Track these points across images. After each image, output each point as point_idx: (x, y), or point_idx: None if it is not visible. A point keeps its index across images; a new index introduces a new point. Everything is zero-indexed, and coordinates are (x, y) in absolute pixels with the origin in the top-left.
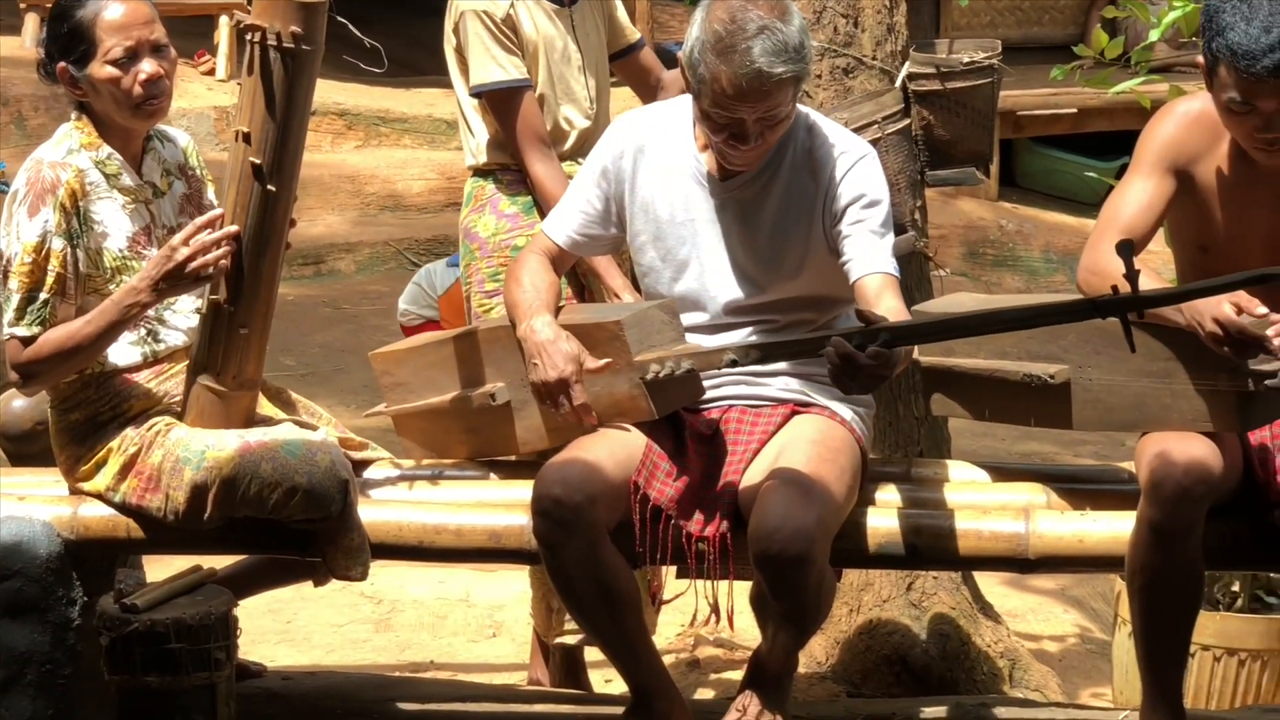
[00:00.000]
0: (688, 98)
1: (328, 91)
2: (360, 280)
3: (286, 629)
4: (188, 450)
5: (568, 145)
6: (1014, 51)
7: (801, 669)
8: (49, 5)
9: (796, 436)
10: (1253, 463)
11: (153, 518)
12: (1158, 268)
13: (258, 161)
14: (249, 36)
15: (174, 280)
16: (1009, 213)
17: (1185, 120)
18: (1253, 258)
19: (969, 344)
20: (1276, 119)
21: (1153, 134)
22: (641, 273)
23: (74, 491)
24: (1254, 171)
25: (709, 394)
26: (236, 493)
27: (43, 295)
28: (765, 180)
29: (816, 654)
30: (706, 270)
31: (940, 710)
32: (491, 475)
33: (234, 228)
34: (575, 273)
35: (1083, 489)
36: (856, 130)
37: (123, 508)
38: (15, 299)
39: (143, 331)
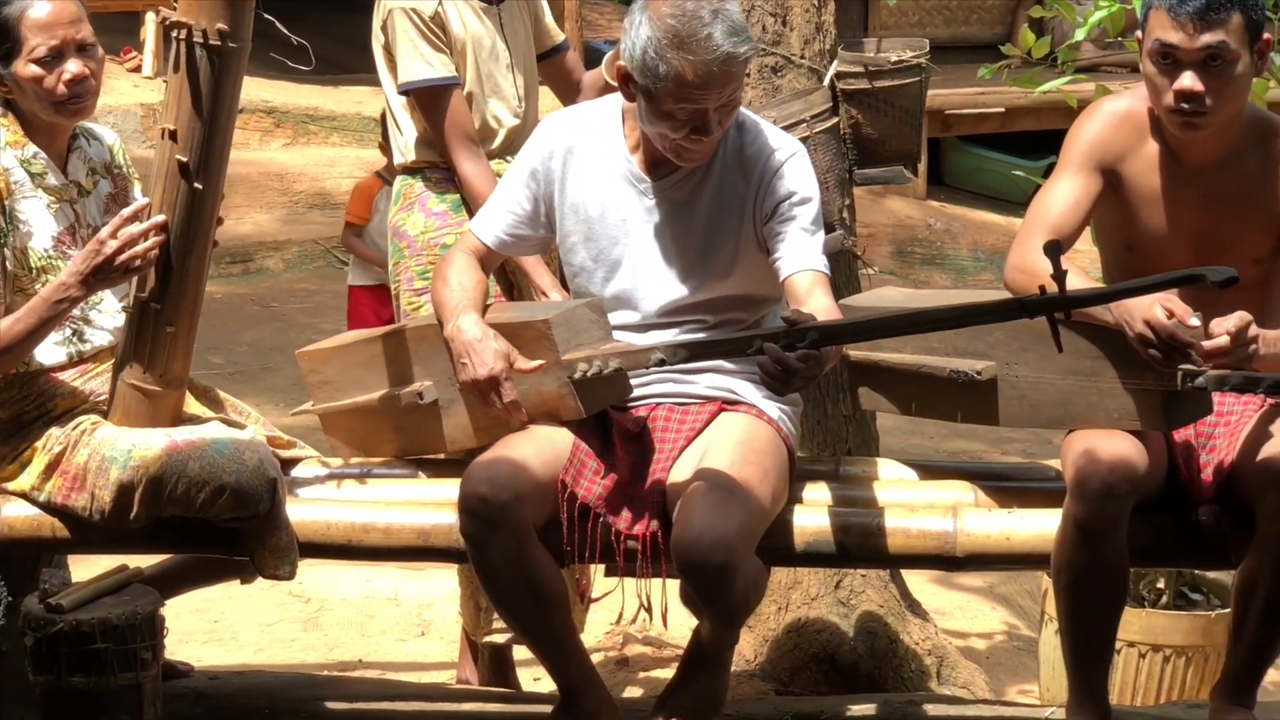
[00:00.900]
0: (615, 98)
1: (255, 89)
2: (288, 278)
3: (214, 628)
4: (114, 449)
5: (496, 143)
6: (942, 50)
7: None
8: None
9: (722, 437)
10: (1177, 461)
11: (78, 517)
12: (1085, 266)
13: (184, 159)
14: (175, 33)
15: (103, 274)
16: (937, 211)
17: (1112, 119)
18: (1179, 256)
19: (896, 339)
20: (1195, 68)
21: (1079, 133)
22: (572, 273)
23: None
24: (1181, 170)
25: (637, 392)
26: (163, 492)
27: None
28: (697, 180)
29: (745, 652)
30: (638, 270)
31: (868, 708)
32: (419, 474)
33: (161, 218)
34: (504, 271)
35: (1010, 487)
36: (785, 129)
37: (48, 507)
38: None
39: (68, 331)
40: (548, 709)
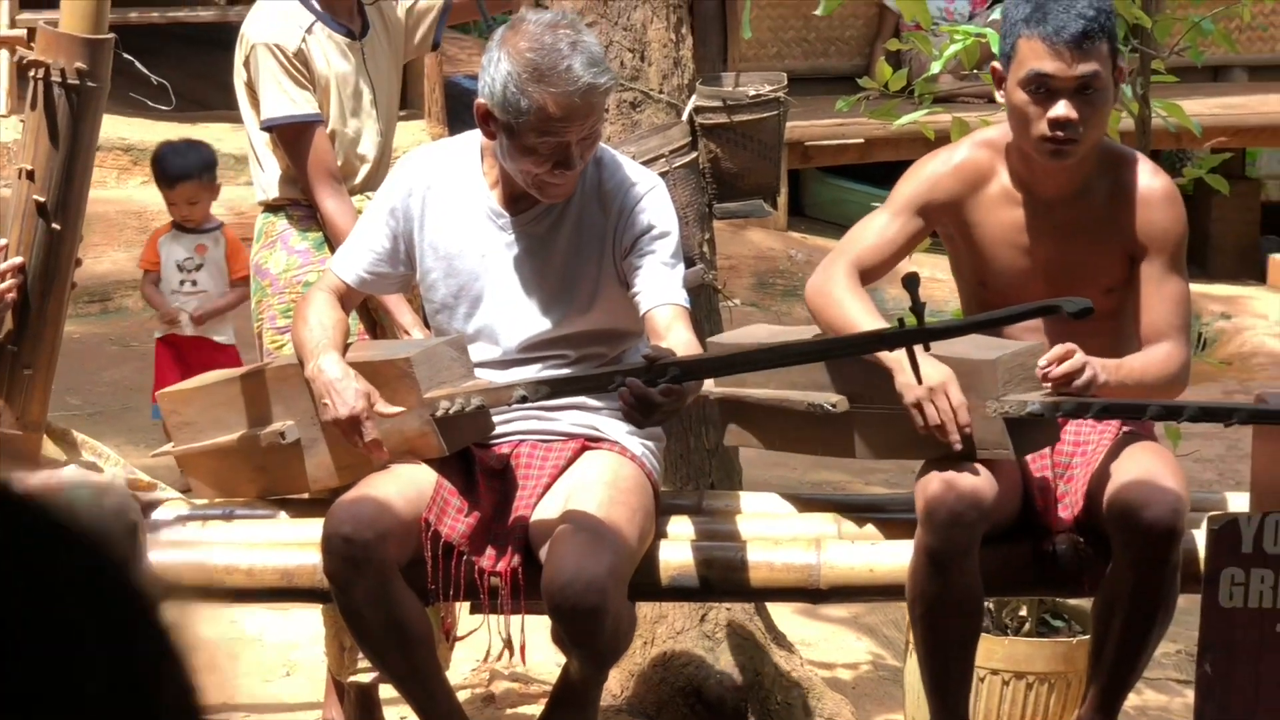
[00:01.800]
0: (474, 134)
1: (112, 126)
2: (148, 317)
3: None
4: None
5: (358, 180)
6: (801, 82)
7: None
8: None
9: (588, 476)
10: (1032, 490)
11: None
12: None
13: (42, 199)
14: (32, 72)
15: None
16: (798, 243)
17: (946, 166)
18: (1034, 289)
19: (761, 373)
20: (1070, 96)
21: (913, 175)
22: (433, 310)
23: None
24: (1034, 203)
25: (499, 429)
26: None
27: None
28: (556, 215)
29: (612, 686)
30: (499, 307)
31: None
32: (282, 514)
33: (18, 259)
34: (367, 309)
35: (873, 518)
36: (644, 164)
37: None
38: None
39: None
40: None
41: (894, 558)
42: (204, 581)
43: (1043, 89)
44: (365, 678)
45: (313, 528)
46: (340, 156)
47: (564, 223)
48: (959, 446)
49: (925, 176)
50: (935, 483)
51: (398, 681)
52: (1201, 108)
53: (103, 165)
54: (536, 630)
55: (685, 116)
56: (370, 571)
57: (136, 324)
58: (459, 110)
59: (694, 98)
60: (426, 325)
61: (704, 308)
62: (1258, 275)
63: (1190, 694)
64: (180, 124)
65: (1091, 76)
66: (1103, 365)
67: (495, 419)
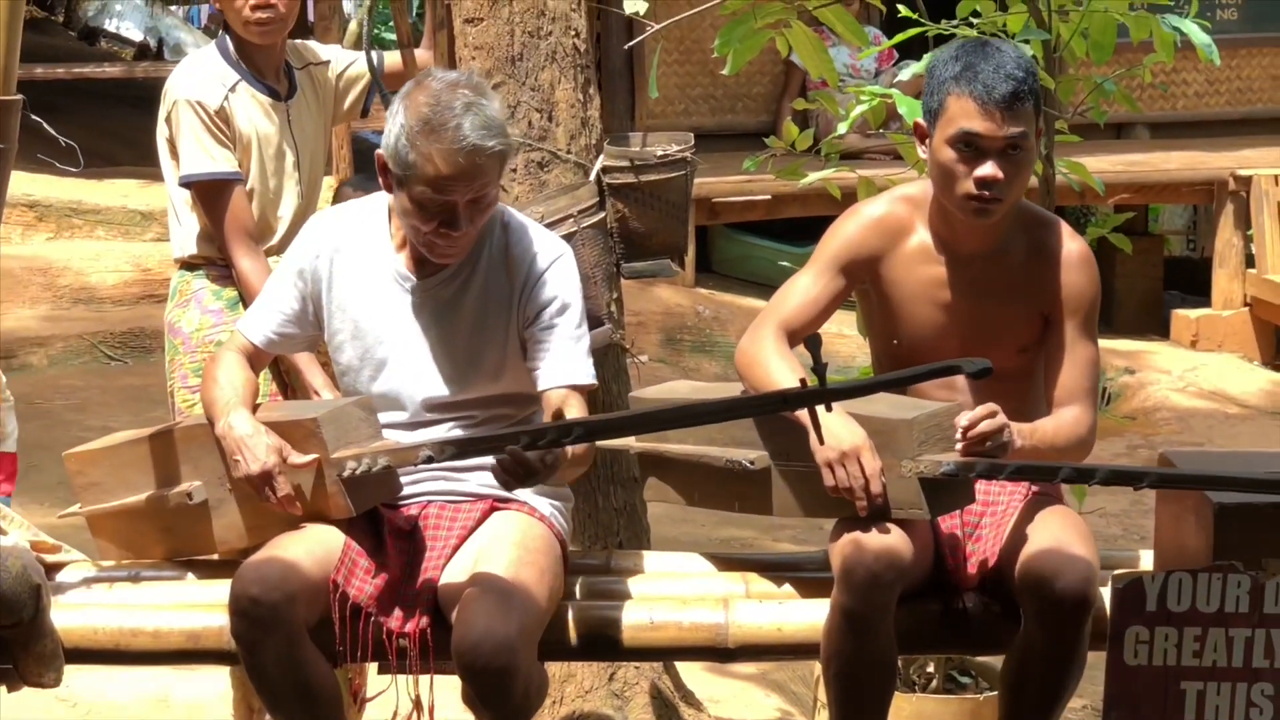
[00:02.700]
0: (383, 196)
1: (18, 182)
2: (53, 374)
3: None
4: None
5: (275, 240)
6: (709, 139)
7: None
8: None
9: (497, 536)
10: (943, 550)
11: None
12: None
13: None
14: None
15: None
16: (706, 299)
17: (868, 222)
18: (947, 347)
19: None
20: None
21: (834, 234)
22: (340, 371)
23: None
24: (951, 260)
25: (407, 490)
26: None
27: None
28: (463, 279)
29: None
30: (405, 369)
31: None
32: (189, 575)
33: None
34: (278, 370)
35: (782, 576)
36: (552, 224)
37: None
38: None
39: None
40: None
41: (802, 616)
42: (109, 644)
43: (971, 148)
44: None
45: (220, 589)
46: (259, 215)
47: (470, 287)
48: (864, 513)
49: (846, 234)
50: (852, 543)
51: None
52: (1105, 165)
53: (7, 221)
54: (445, 690)
55: (593, 176)
56: (278, 633)
57: (41, 382)
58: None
59: (602, 158)
60: (337, 386)
61: (612, 367)
62: (1161, 330)
63: None
64: (86, 179)
65: (1020, 137)
66: (1018, 429)
67: (403, 480)
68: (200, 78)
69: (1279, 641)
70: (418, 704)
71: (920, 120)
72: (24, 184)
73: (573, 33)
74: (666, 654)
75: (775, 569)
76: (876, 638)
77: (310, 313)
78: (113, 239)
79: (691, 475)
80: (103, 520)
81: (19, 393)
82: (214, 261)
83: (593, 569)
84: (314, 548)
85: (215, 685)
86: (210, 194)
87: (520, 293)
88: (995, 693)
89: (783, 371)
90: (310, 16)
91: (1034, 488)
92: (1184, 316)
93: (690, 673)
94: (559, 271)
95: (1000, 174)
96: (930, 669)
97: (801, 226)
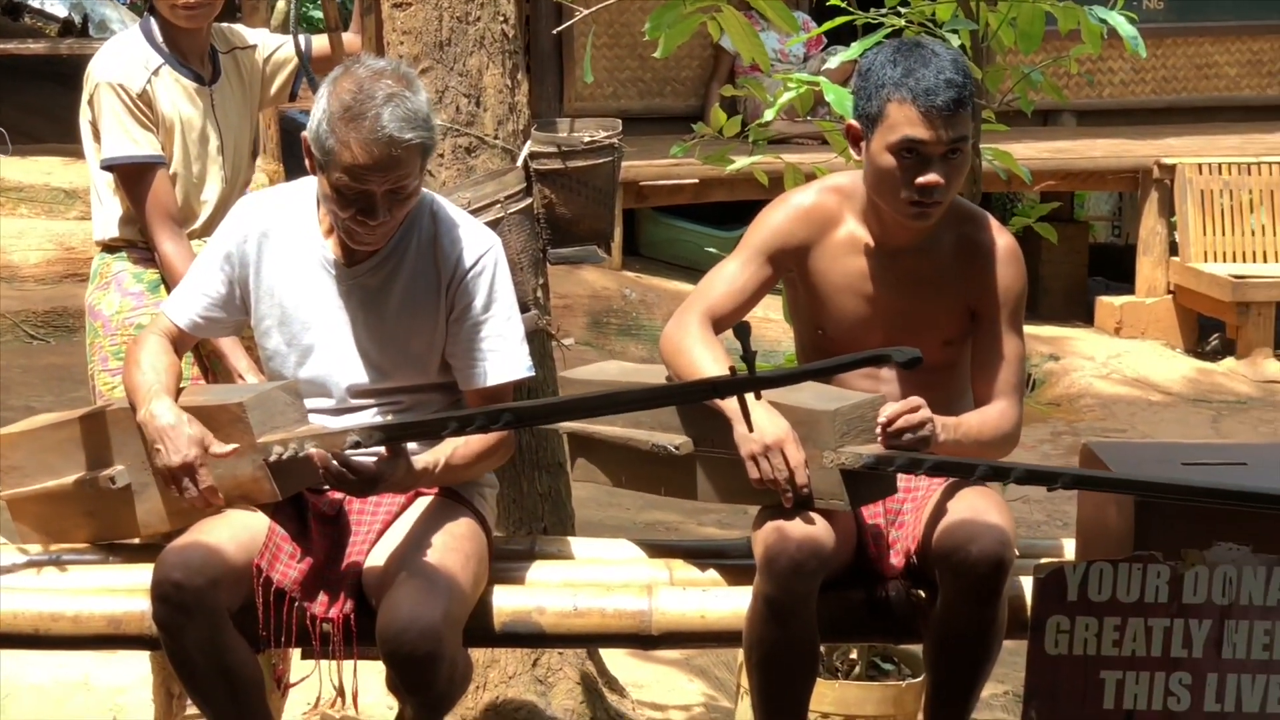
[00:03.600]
0: (311, 181)
1: None
2: None
3: None
4: None
5: (198, 224)
6: (637, 122)
7: None
8: None
9: (422, 522)
10: (866, 538)
11: None
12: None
13: None
14: None
15: None
16: (632, 282)
17: (796, 211)
18: (872, 338)
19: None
20: (939, 162)
21: (762, 222)
22: (266, 356)
23: None
24: (879, 254)
25: None
26: None
27: None
28: (391, 267)
29: None
30: (331, 355)
31: None
32: (111, 559)
33: None
34: (201, 354)
35: (706, 563)
36: (479, 210)
37: None
38: None
39: None
40: None
41: (726, 604)
42: (28, 629)
43: (913, 154)
44: None
45: (142, 574)
46: (182, 199)
47: (398, 276)
48: (789, 504)
49: (774, 223)
50: (774, 531)
51: None
52: (1031, 152)
53: None
54: (369, 675)
55: (520, 162)
56: (200, 618)
57: None
58: (294, 146)
59: (529, 143)
60: (262, 370)
61: (538, 352)
62: (1085, 317)
63: None
64: (8, 156)
65: (960, 141)
66: (942, 424)
67: None
68: (123, 61)
69: (1197, 631)
70: (341, 690)
71: (854, 122)
72: None
73: (501, 18)
74: (590, 640)
75: (700, 555)
76: (798, 625)
77: (237, 297)
78: (36, 217)
79: (619, 457)
80: (24, 504)
81: None
82: (135, 244)
83: (517, 554)
84: (238, 532)
85: (136, 670)
86: (132, 177)
87: (448, 284)
88: (918, 679)
89: (707, 360)
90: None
91: None
92: (1108, 303)
93: (614, 658)
94: (487, 265)
95: (942, 180)
96: (853, 656)
97: (729, 210)
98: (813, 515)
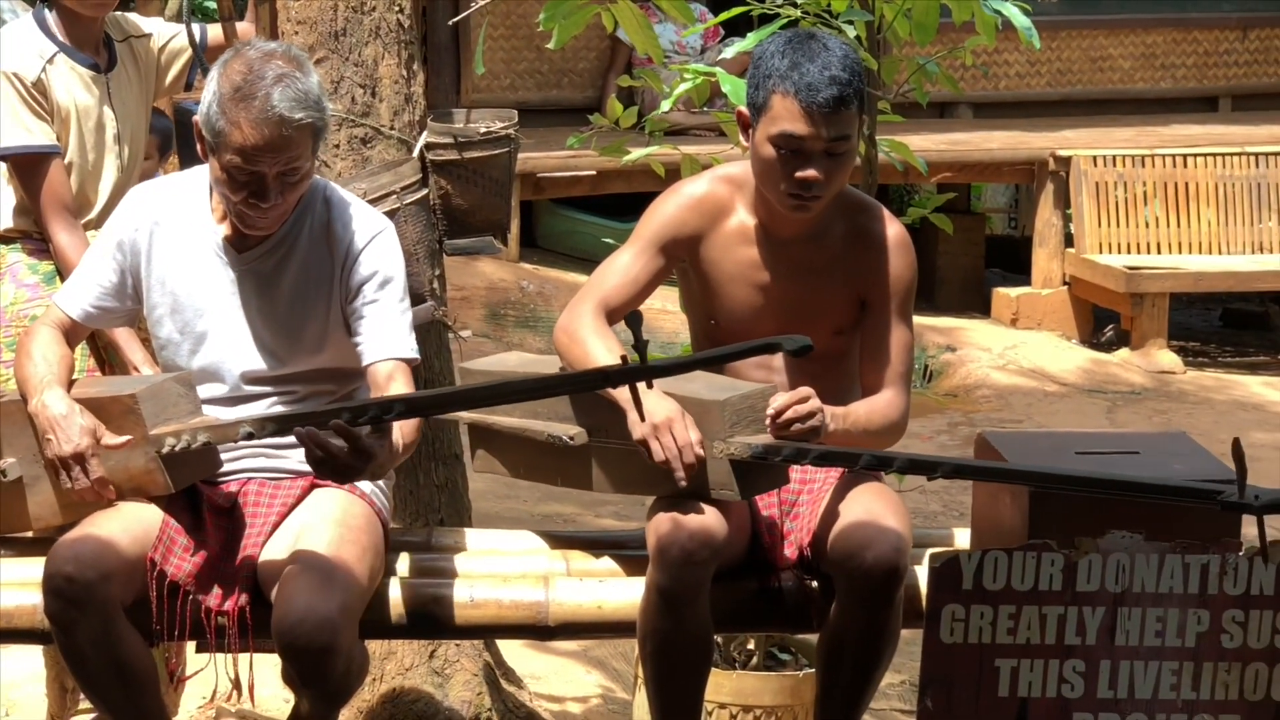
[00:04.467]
0: (204, 169)
1: None
2: None
3: None
4: None
5: (94, 213)
6: (534, 114)
7: None
8: None
9: (317, 515)
10: (760, 528)
11: None
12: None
13: None
14: None
15: None
16: (530, 274)
17: (688, 201)
18: (764, 327)
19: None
20: (819, 158)
21: (655, 212)
22: (159, 345)
23: None
24: (770, 243)
25: (227, 467)
26: None
27: None
28: (283, 253)
29: None
30: (225, 343)
31: None
32: (3, 552)
33: None
34: (96, 345)
35: (603, 554)
36: (375, 200)
37: None
38: None
39: None
40: None
41: (623, 594)
42: None
43: (793, 149)
44: (87, 719)
45: (34, 567)
46: (78, 189)
47: (290, 261)
48: (683, 483)
49: (666, 213)
50: (667, 522)
51: None
52: (928, 144)
53: None
54: (264, 668)
55: (416, 153)
56: (93, 612)
57: None
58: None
59: (425, 134)
60: (156, 362)
61: (434, 344)
62: (982, 308)
63: None
64: None
65: (842, 139)
66: (831, 414)
67: (223, 456)
68: (17, 50)
69: (1091, 619)
70: (236, 683)
71: (744, 109)
72: None
73: (397, 8)
74: (487, 632)
75: (597, 547)
76: (692, 616)
77: (129, 286)
78: None
79: (517, 448)
80: None
81: None
82: (30, 235)
83: (414, 546)
84: (131, 525)
85: (28, 663)
86: (27, 167)
87: (341, 267)
88: (814, 670)
89: (600, 350)
90: None
91: None
92: (1004, 295)
93: (511, 650)
94: (381, 246)
95: (821, 175)
96: (750, 646)
97: (626, 202)
98: (705, 506)
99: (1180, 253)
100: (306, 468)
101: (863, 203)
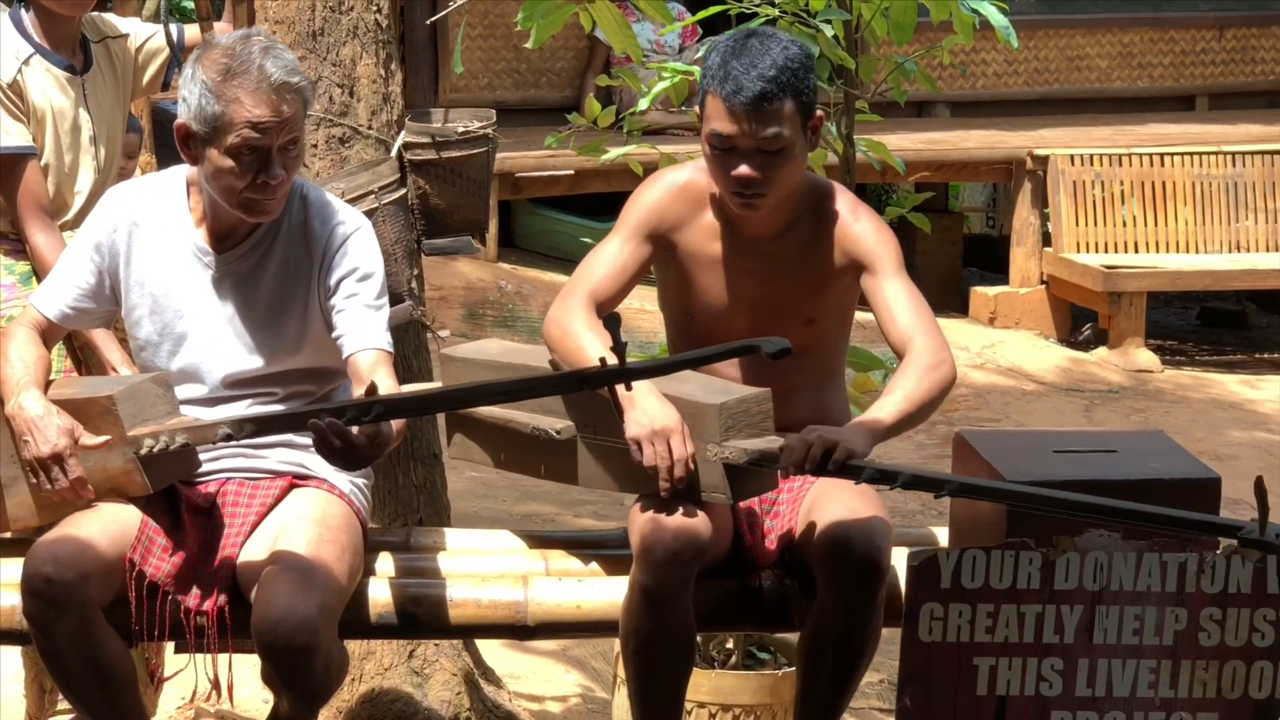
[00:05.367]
0: (180, 170)
1: None
2: None
3: None
4: None
5: (71, 215)
6: (512, 113)
7: None
8: None
9: (297, 514)
10: (742, 527)
11: None
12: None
13: None
14: None
15: None
16: (508, 273)
17: (671, 189)
18: (738, 323)
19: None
20: (752, 156)
21: (637, 200)
22: (138, 347)
23: None
24: (739, 240)
25: (206, 467)
26: None
27: None
28: (261, 252)
29: None
30: (204, 344)
31: None
32: None
33: None
34: (74, 346)
35: (582, 553)
36: (353, 200)
37: None
38: None
39: None
40: None
41: (602, 594)
42: None
43: (725, 147)
44: None
45: (12, 568)
46: (54, 190)
47: (269, 261)
48: (665, 494)
49: (650, 201)
50: (651, 522)
51: None
52: (906, 143)
53: None
54: (244, 668)
55: (394, 153)
56: (71, 613)
57: None
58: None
59: (403, 134)
60: (134, 362)
61: (413, 344)
62: (960, 307)
63: None
64: None
65: (773, 138)
66: (866, 434)
67: (202, 457)
68: None
69: (1068, 617)
70: (216, 683)
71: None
72: None
73: (375, 8)
74: (466, 631)
75: (576, 546)
76: (674, 615)
77: (107, 287)
78: None
79: (499, 437)
80: None
81: None
82: (6, 236)
83: (392, 546)
84: (109, 526)
85: (7, 664)
86: (3, 168)
87: (320, 265)
88: (794, 669)
89: (594, 345)
90: None
91: None
92: (982, 294)
93: (490, 649)
94: (358, 241)
95: (755, 174)
96: (730, 645)
97: (604, 202)
98: (689, 506)
99: (1158, 252)
100: (285, 468)
101: (821, 186)
